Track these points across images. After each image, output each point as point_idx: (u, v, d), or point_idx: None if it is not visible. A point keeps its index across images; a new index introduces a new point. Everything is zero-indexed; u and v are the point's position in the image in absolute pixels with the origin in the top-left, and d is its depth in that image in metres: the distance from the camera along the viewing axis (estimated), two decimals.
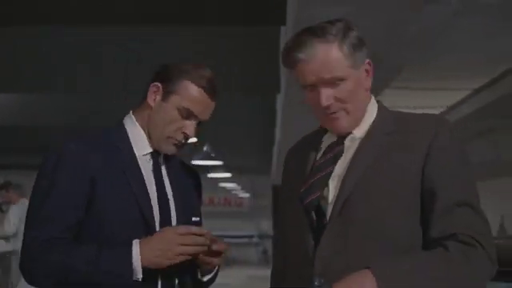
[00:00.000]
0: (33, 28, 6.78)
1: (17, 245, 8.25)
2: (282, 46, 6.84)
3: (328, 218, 1.86)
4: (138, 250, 2.00)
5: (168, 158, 2.23)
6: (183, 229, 2.04)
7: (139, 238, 2.03)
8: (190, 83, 2.14)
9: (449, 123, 1.92)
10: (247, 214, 24.70)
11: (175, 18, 6.06)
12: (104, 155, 2.10)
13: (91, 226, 2.06)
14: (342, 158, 1.92)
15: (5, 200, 9.13)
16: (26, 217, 2.10)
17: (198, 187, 2.35)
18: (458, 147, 1.89)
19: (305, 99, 1.95)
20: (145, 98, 2.19)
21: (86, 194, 2.05)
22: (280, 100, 8.30)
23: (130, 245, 2.01)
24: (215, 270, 2.23)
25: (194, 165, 11.77)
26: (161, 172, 2.19)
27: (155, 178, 2.17)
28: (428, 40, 5.66)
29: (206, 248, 2.06)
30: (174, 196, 2.19)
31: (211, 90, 2.17)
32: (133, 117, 2.21)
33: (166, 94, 2.16)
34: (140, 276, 2.00)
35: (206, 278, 2.22)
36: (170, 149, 2.18)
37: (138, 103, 2.25)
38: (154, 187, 2.15)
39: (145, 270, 2.01)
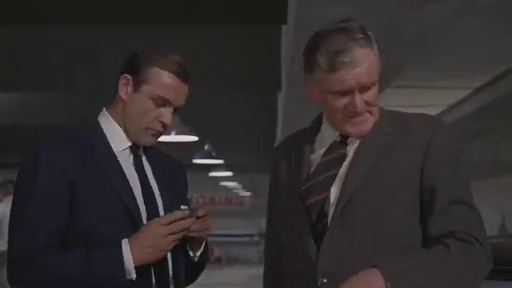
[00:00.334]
0: (33, 28, 6.77)
1: None
2: (282, 44, 6.85)
3: (330, 218, 1.86)
4: (129, 250, 1.97)
5: (148, 150, 2.18)
6: (167, 218, 2.01)
7: (126, 234, 2.00)
8: (159, 70, 2.07)
9: (445, 124, 1.95)
10: (248, 213, 24.63)
11: (175, 18, 6.05)
12: (82, 155, 2.05)
13: (76, 226, 2.01)
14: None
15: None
16: (10, 220, 2.03)
17: (182, 175, 2.29)
18: (455, 147, 1.92)
19: (311, 99, 1.93)
20: (116, 91, 2.13)
21: (67, 195, 2.00)
22: (281, 98, 8.29)
23: (120, 245, 1.98)
24: (204, 243, 2.18)
25: (194, 163, 11.81)
26: (142, 165, 2.15)
27: (137, 171, 2.12)
28: (428, 40, 5.66)
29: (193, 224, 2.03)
30: (159, 187, 2.14)
31: (182, 73, 2.10)
32: (106, 113, 2.16)
33: (137, 85, 2.09)
34: (134, 276, 1.98)
35: (198, 253, 2.16)
36: (148, 140, 2.13)
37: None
38: (138, 181, 2.10)
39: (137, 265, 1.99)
